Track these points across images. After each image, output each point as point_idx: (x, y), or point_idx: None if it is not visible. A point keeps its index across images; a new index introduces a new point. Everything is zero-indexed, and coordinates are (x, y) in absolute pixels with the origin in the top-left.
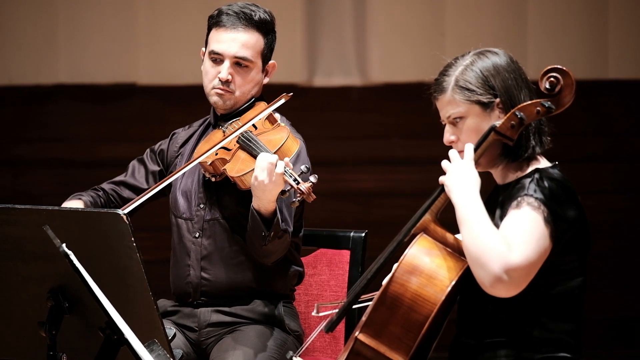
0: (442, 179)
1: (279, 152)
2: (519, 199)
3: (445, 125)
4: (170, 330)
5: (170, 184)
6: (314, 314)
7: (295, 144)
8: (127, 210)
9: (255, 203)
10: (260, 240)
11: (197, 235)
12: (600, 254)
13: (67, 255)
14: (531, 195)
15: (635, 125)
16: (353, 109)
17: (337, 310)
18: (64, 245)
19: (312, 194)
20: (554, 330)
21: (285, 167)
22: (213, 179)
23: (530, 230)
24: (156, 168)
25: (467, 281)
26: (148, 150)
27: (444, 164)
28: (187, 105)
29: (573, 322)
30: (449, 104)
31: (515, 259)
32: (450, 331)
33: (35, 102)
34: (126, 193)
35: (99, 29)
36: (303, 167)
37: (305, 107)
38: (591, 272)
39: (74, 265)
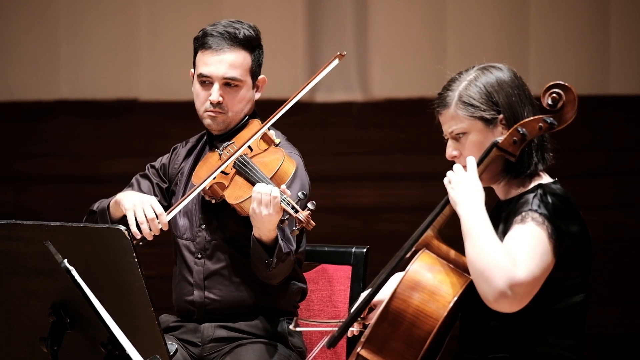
0: (446, 185)
1: (276, 176)
2: (524, 213)
3: (447, 140)
4: (172, 345)
5: (171, 203)
6: (291, 327)
7: (291, 165)
8: (170, 216)
9: (256, 232)
10: (265, 266)
11: (199, 256)
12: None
13: (68, 271)
14: (535, 211)
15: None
16: (354, 125)
17: (313, 328)
18: (65, 260)
19: (311, 221)
20: (556, 346)
21: (282, 196)
22: (213, 201)
23: (534, 245)
24: (161, 183)
25: (469, 297)
26: (148, 166)
27: (449, 175)
28: (189, 120)
29: (575, 338)
30: (452, 119)
31: (520, 274)
32: (453, 347)
33: (36, 118)
34: None
35: (101, 45)
36: (300, 194)
37: (307, 123)
38: (593, 287)
39: (76, 280)
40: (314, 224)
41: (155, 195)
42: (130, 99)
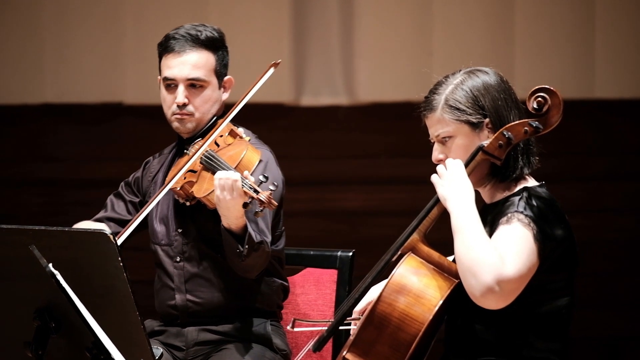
0: (435, 181)
1: (240, 166)
2: (509, 215)
3: (434, 143)
4: (157, 350)
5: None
6: (289, 327)
7: (255, 154)
8: (120, 241)
9: (224, 221)
10: (237, 257)
11: (178, 259)
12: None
13: (53, 276)
14: (521, 212)
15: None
16: (340, 129)
17: (313, 329)
18: (50, 265)
19: (273, 201)
20: (542, 349)
21: (243, 180)
22: (187, 203)
23: (521, 245)
24: (135, 199)
25: (455, 300)
26: (122, 183)
27: (439, 169)
28: None
29: (560, 341)
30: (439, 123)
31: (508, 271)
32: (439, 350)
33: (22, 122)
34: (112, 227)
35: (86, 49)
36: (261, 177)
37: (293, 127)
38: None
39: (61, 285)
40: (276, 203)
41: (130, 212)
42: (115, 102)
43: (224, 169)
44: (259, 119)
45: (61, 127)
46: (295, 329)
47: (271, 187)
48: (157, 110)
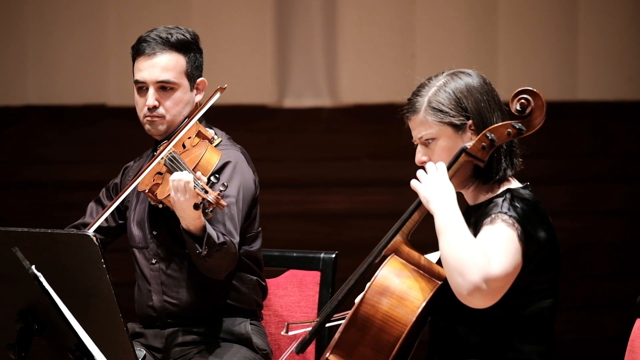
0: (415, 185)
1: (198, 167)
2: (493, 215)
3: (417, 145)
4: (140, 352)
5: (125, 218)
6: (283, 333)
7: (214, 155)
8: (91, 230)
9: (183, 223)
10: (199, 258)
11: (154, 261)
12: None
13: (36, 277)
14: (505, 213)
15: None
16: (323, 130)
17: (307, 329)
18: (33, 267)
19: (222, 201)
20: (525, 351)
21: (196, 181)
22: (159, 206)
23: (506, 244)
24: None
25: (438, 302)
26: (103, 189)
27: (419, 174)
28: None
29: (543, 344)
30: (422, 125)
31: (494, 269)
32: (422, 352)
33: (5, 124)
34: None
35: (69, 50)
36: (212, 177)
37: (275, 129)
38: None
39: (44, 287)
40: (225, 203)
41: (107, 219)
42: (98, 104)
43: (181, 170)
44: (242, 121)
45: (44, 129)
46: (290, 333)
47: (220, 188)
48: None
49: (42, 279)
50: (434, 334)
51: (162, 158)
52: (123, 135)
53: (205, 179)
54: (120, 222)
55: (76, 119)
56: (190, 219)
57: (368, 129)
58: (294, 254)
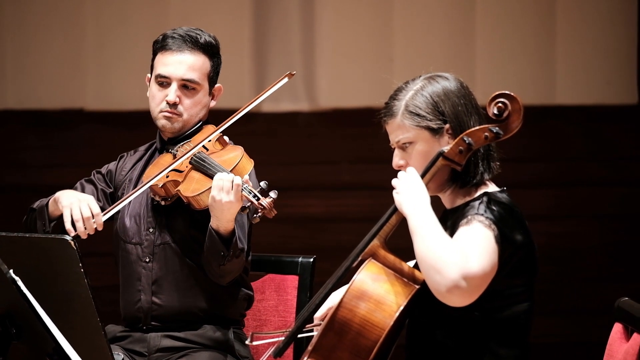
0: (393, 192)
1: (235, 171)
2: (469, 217)
3: (394, 149)
4: (118, 356)
5: (117, 211)
6: (247, 342)
7: (249, 163)
8: (106, 216)
9: (214, 223)
10: (219, 260)
11: (147, 259)
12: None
13: (14, 281)
14: (482, 215)
15: (587, 149)
16: (301, 135)
17: (272, 340)
18: (11, 271)
19: (274, 209)
20: (501, 355)
21: (244, 184)
22: (163, 203)
23: (483, 243)
24: (107, 189)
25: (416, 306)
26: (94, 171)
27: (393, 182)
28: (135, 130)
29: (519, 348)
30: (399, 129)
31: (472, 266)
32: (399, 356)
33: None
34: None
35: (46, 55)
36: (262, 184)
37: (254, 133)
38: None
39: (22, 291)
40: (276, 212)
41: (99, 200)
42: (76, 108)
43: (219, 170)
44: (219, 122)
45: (22, 133)
46: (254, 343)
47: (272, 195)
48: (118, 117)
49: (20, 283)
50: (412, 338)
51: (186, 157)
52: (101, 140)
53: (251, 183)
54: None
55: (54, 123)
56: (225, 221)
57: (346, 133)
58: (272, 258)
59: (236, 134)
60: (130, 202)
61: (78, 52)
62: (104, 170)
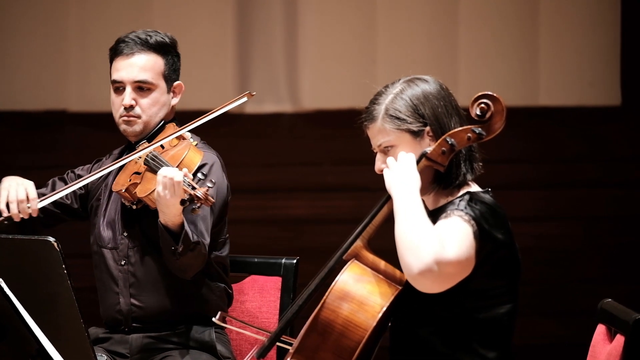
0: (384, 172)
1: (181, 165)
2: (449, 212)
3: (376, 153)
4: (102, 357)
5: (96, 214)
6: (214, 319)
7: (197, 155)
8: (43, 204)
9: (162, 218)
10: (172, 254)
11: (123, 263)
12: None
13: None
14: (461, 210)
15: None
16: (284, 136)
17: (239, 329)
18: None
19: (210, 197)
20: (484, 356)
21: (183, 177)
22: (134, 207)
23: (461, 235)
24: (78, 189)
25: (399, 307)
26: (69, 171)
27: (389, 161)
28: (118, 132)
29: (501, 349)
30: (380, 133)
31: (447, 253)
32: (382, 357)
33: None
34: (49, 205)
35: (29, 56)
36: (199, 174)
37: (237, 134)
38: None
39: (4, 292)
40: (213, 200)
41: (68, 199)
42: (59, 110)
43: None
44: (202, 126)
45: (4, 134)
46: (218, 322)
47: (209, 184)
48: (101, 118)
49: (2, 284)
50: (395, 339)
51: (139, 157)
52: (84, 141)
53: (191, 176)
54: (77, 208)
55: (37, 125)
56: (171, 215)
57: (329, 135)
58: (255, 260)
59: (219, 136)
60: (107, 208)
61: (61, 53)
62: (78, 170)
